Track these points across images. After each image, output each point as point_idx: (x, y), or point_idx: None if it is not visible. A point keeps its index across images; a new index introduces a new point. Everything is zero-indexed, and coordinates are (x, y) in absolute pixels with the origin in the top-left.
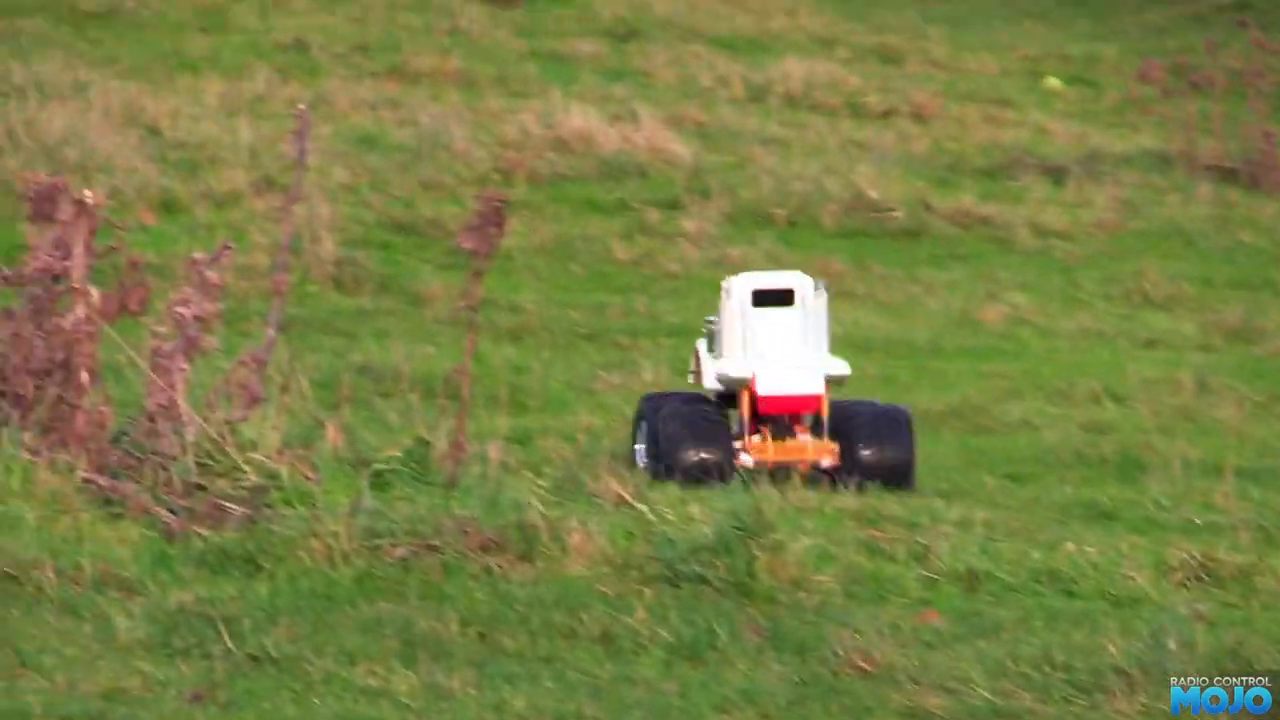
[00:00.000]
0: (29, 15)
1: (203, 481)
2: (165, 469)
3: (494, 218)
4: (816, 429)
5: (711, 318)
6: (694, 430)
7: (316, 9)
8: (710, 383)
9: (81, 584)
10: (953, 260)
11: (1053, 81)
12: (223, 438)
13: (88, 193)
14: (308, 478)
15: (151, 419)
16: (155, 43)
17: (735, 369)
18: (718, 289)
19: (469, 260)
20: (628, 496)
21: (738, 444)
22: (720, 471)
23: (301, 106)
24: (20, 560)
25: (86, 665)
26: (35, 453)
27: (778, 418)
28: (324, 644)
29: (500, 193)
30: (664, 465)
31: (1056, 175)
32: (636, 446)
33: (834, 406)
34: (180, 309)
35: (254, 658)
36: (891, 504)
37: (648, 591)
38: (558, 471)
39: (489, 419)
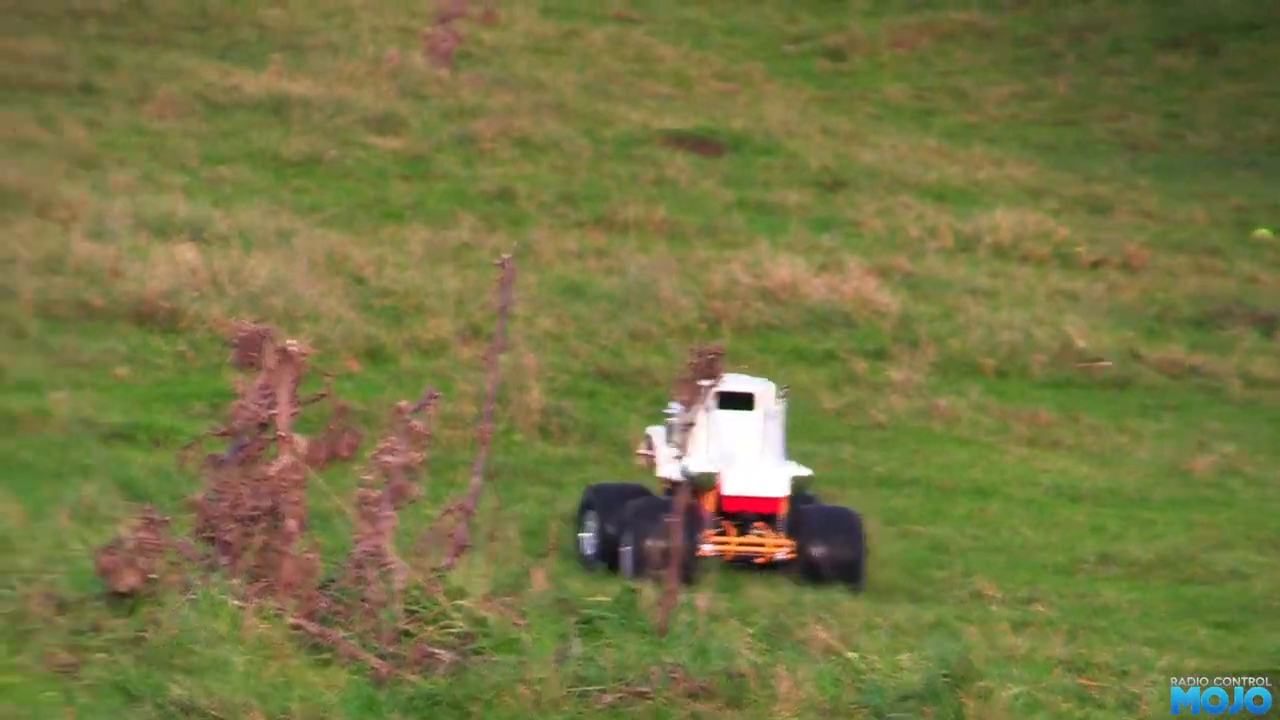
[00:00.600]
0: (231, 163)
1: (410, 628)
2: (373, 615)
3: (708, 369)
4: (773, 524)
5: (671, 409)
6: (658, 521)
7: (521, 158)
8: (669, 473)
9: None
10: (1162, 410)
11: (1263, 232)
12: (430, 585)
13: (292, 341)
14: (516, 624)
15: (359, 566)
16: (359, 191)
17: (701, 466)
18: (926, 439)
19: (682, 411)
20: (836, 644)
21: (698, 535)
22: (682, 560)
23: (506, 255)
24: (229, 704)
25: None
26: (243, 599)
27: (739, 514)
28: None
29: (714, 344)
30: (630, 552)
31: (1266, 325)
32: (581, 535)
33: (790, 505)
34: (387, 457)
35: None
36: (1102, 652)
37: None
38: (766, 619)
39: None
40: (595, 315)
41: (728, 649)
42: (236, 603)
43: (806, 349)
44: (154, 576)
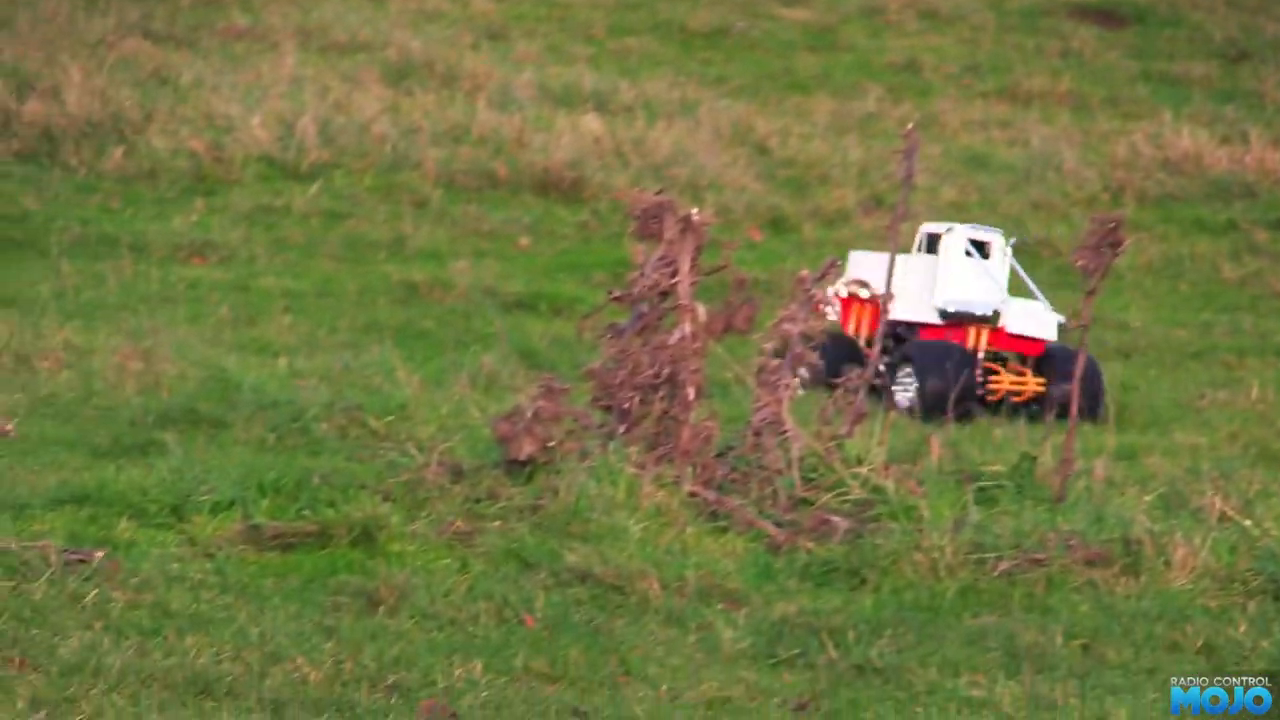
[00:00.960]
0: (638, 34)
1: (808, 496)
2: (770, 483)
3: (1109, 237)
4: (1027, 364)
5: (905, 255)
6: (942, 363)
7: (927, 29)
8: (909, 314)
9: (686, 595)
10: None
11: None
12: (828, 453)
13: (694, 210)
14: (912, 492)
15: (757, 434)
16: (765, 62)
17: (978, 305)
18: None
19: (1083, 279)
20: (1231, 512)
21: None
22: (962, 400)
23: (910, 126)
24: (626, 571)
25: (690, 674)
26: (641, 466)
27: (1003, 354)
28: (928, 655)
29: (1115, 213)
30: (916, 394)
31: None
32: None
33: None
34: (787, 325)
35: (858, 668)
36: None
37: (1250, 605)
38: (1163, 487)
39: (1095, 435)
40: (998, 186)
41: (1124, 517)
42: (633, 470)
43: (1208, 219)
44: (552, 445)
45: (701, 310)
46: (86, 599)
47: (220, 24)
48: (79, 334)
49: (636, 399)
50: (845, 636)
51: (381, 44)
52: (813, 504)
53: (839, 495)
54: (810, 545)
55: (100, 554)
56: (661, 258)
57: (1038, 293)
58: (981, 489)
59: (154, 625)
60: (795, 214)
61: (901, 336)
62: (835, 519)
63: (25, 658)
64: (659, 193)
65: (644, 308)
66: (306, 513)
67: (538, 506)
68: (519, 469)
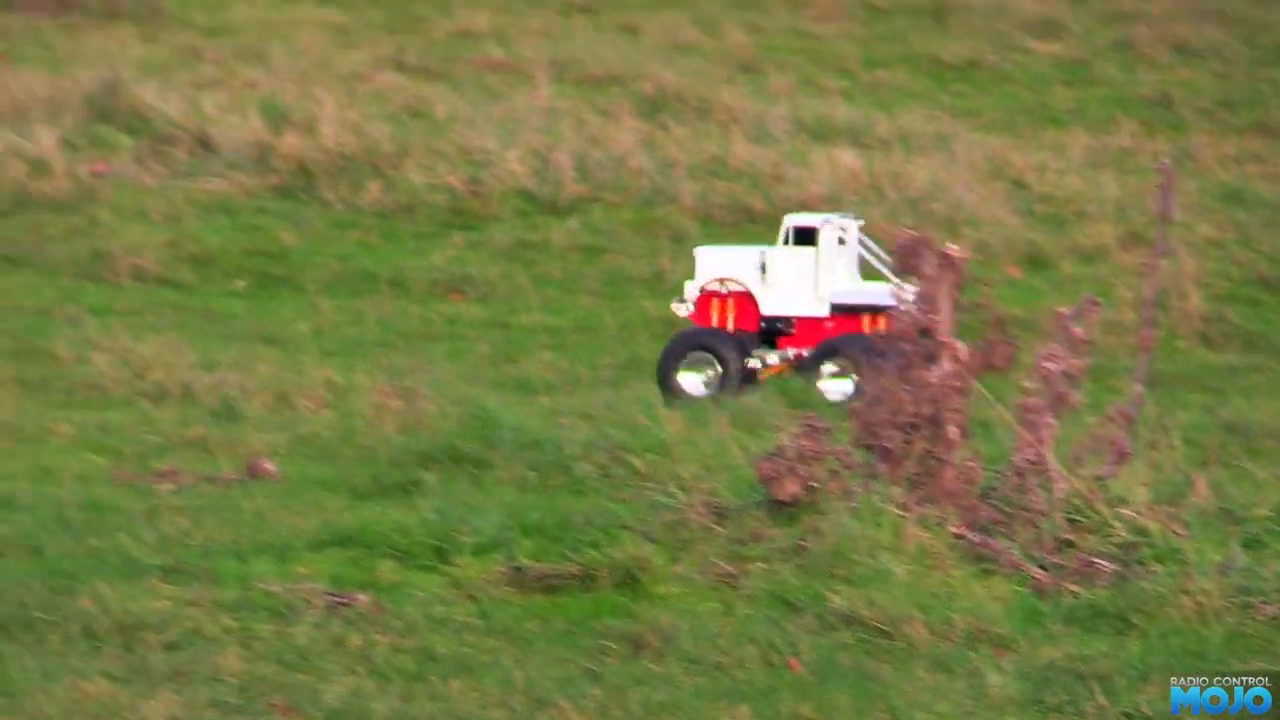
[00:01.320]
0: (890, 67)
1: (1072, 538)
2: (1035, 525)
3: None
4: None
5: (762, 249)
6: (875, 352)
7: (1179, 64)
8: (784, 309)
9: (953, 639)
10: None
11: None
12: (1092, 494)
13: (953, 246)
14: (1177, 534)
15: (1020, 474)
16: (1017, 95)
17: (874, 295)
18: None
19: None
20: None
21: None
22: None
23: (1165, 161)
24: (891, 615)
25: None
26: (904, 507)
27: None
28: None
29: None
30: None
31: None
32: (688, 377)
33: None
34: (1047, 364)
35: (1128, 716)
36: None
37: None
38: None
39: None
40: (1255, 222)
41: None
42: (897, 511)
43: None
44: (815, 485)
45: (962, 348)
46: (350, 643)
47: (474, 56)
48: (339, 372)
49: (899, 438)
50: (1113, 683)
51: (635, 76)
52: (1077, 546)
53: (1104, 537)
54: (1075, 588)
55: (364, 597)
56: (921, 294)
57: (893, 277)
58: (1247, 531)
59: (418, 669)
60: (1053, 250)
61: (780, 331)
62: (1100, 561)
63: (290, 703)
64: (917, 228)
65: (905, 345)
66: (570, 554)
67: (801, 548)
68: (782, 509)
